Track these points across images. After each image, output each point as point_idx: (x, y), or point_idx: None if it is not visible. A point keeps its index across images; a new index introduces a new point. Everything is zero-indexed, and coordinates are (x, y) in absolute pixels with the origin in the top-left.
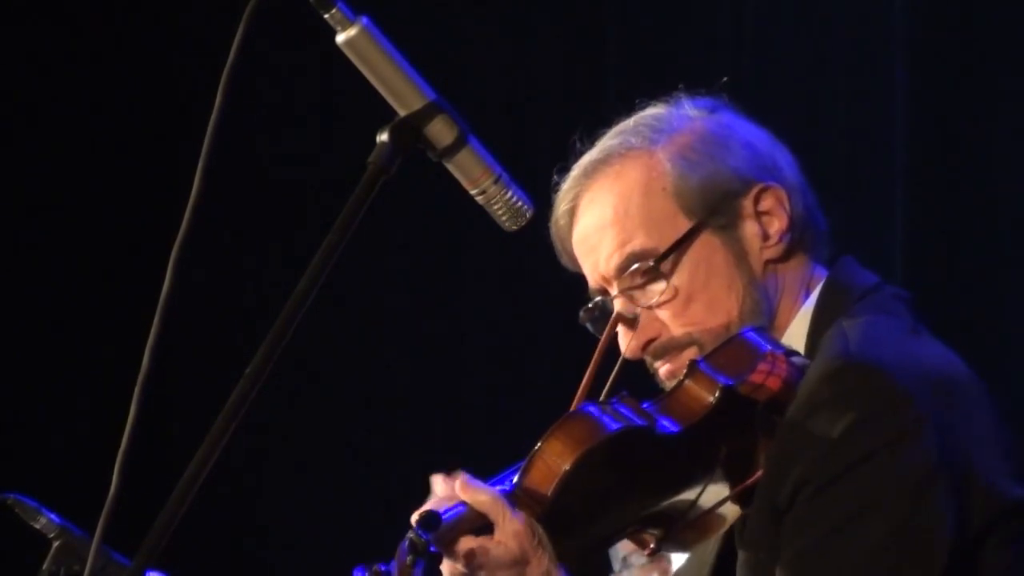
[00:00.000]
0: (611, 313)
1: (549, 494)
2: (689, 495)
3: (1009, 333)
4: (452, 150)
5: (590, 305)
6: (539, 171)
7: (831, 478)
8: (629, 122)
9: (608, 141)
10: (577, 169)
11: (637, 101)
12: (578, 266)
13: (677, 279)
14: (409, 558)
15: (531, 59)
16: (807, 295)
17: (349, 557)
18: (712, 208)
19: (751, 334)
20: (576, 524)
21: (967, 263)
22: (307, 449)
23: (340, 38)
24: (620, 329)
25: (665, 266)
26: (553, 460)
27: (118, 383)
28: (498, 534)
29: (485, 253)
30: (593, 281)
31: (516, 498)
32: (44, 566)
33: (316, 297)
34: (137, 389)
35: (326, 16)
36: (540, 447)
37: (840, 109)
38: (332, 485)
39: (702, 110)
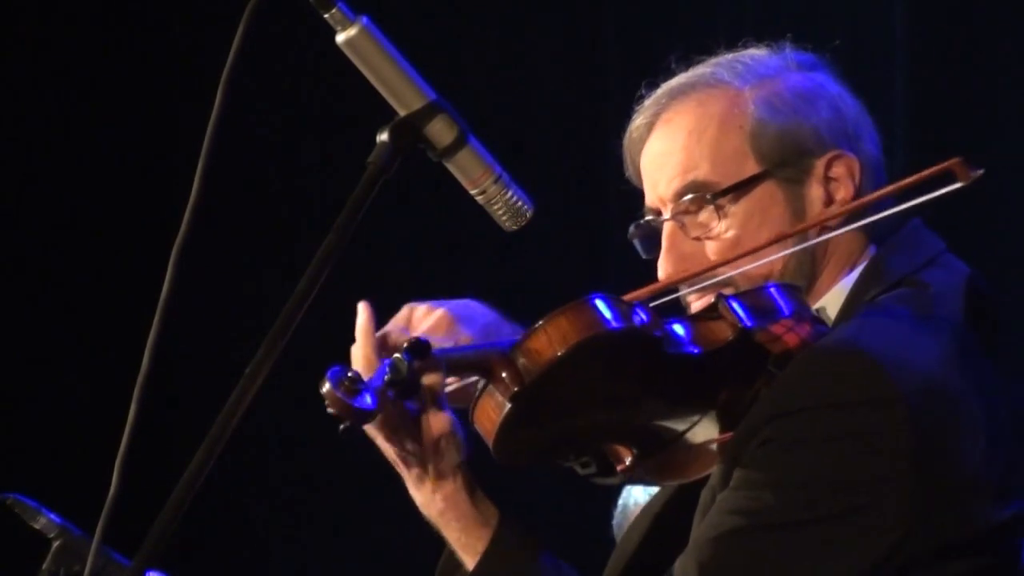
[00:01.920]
0: (659, 233)
1: (539, 371)
2: (678, 425)
3: (1009, 334)
4: (452, 150)
5: (641, 222)
6: (539, 171)
7: (793, 443)
8: (728, 55)
9: (701, 68)
10: (663, 88)
11: (636, 96)
12: (640, 179)
13: (731, 219)
14: (388, 377)
15: (531, 59)
16: (851, 271)
17: (348, 556)
18: (783, 160)
19: (786, 289)
20: (555, 411)
21: (967, 263)
22: (306, 448)
23: (340, 38)
24: (663, 250)
25: (722, 203)
26: (551, 339)
27: (118, 383)
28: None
29: (485, 253)
30: (650, 200)
31: (506, 357)
32: (44, 566)
33: (316, 297)
34: (137, 389)
35: (326, 16)
36: (543, 322)
37: None
38: (332, 484)
39: (801, 65)
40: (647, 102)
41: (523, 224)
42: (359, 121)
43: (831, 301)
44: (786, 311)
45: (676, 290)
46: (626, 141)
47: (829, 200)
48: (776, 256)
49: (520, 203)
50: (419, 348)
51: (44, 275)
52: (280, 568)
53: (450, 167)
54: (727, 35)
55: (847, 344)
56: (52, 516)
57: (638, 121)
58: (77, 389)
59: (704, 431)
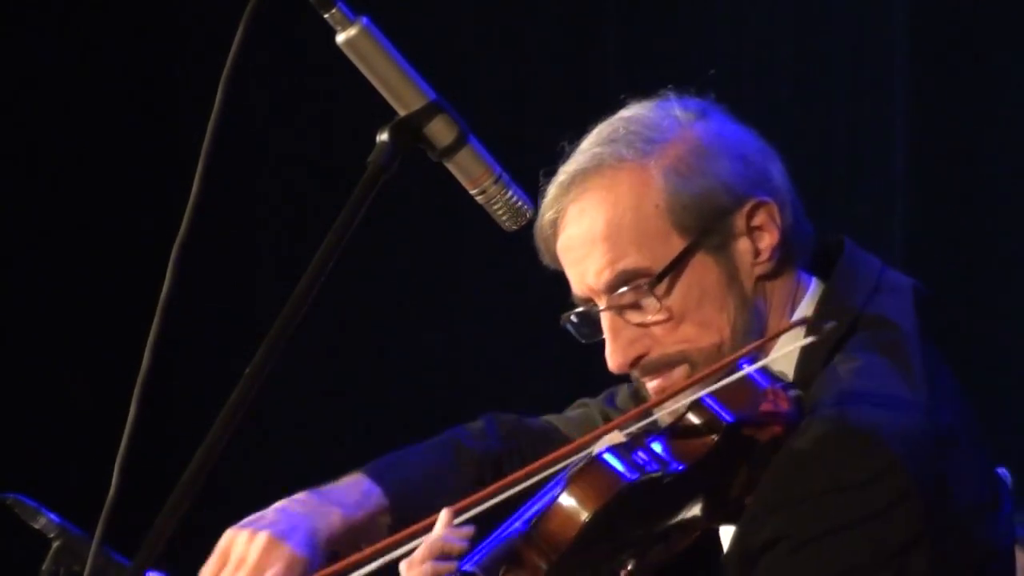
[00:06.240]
0: (595, 320)
1: (567, 542)
2: (671, 521)
3: (1009, 333)
4: (452, 150)
5: (575, 312)
6: (539, 171)
7: (809, 538)
8: (618, 128)
9: (597, 148)
10: (565, 176)
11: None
12: (561, 268)
13: (670, 300)
14: None
15: (531, 59)
16: (794, 309)
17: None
18: (705, 226)
19: (753, 371)
20: (580, 563)
21: (967, 263)
22: (306, 449)
23: (340, 38)
24: (607, 341)
25: (659, 288)
26: (573, 509)
27: (118, 383)
28: None
29: (485, 253)
30: (579, 290)
31: (531, 540)
32: (44, 566)
33: (316, 297)
34: (137, 389)
35: (326, 16)
36: (560, 494)
37: (840, 109)
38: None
39: (691, 112)
40: (552, 191)
41: (523, 224)
42: (359, 121)
43: (785, 359)
44: (761, 394)
45: (650, 412)
46: (537, 231)
47: (756, 251)
48: (724, 322)
49: (520, 203)
50: None
51: (44, 275)
52: None
53: (450, 167)
54: (727, 36)
55: (834, 423)
56: (52, 516)
57: (547, 216)
58: (77, 389)
59: (694, 517)
